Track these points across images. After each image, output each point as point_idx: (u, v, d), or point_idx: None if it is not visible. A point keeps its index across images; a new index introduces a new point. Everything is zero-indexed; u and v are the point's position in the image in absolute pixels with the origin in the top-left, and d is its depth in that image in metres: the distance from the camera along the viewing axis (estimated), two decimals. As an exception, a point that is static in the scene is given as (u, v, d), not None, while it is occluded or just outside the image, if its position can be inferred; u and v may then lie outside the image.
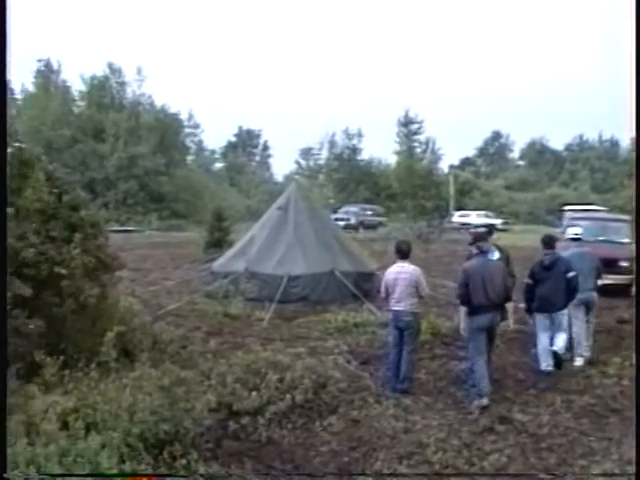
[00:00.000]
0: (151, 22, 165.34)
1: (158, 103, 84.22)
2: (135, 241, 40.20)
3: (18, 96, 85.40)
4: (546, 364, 12.25)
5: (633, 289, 18.93)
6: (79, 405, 8.84)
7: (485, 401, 11.06)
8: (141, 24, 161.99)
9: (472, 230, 14.62)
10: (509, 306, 11.88)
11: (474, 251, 12.01)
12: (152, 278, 25.58)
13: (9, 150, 8.74)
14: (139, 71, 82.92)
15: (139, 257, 31.49)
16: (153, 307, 17.71)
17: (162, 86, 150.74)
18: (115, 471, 7.75)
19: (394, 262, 12.31)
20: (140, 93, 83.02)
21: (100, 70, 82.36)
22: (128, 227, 57.44)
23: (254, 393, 10.25)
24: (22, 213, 9.21)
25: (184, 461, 8.21)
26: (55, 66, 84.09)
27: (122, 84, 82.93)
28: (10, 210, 8.68)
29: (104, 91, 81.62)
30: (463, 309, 11.66)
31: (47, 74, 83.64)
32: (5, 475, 6.87)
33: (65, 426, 8.38)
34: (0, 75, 6.10)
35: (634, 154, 10.13)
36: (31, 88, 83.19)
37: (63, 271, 10.59)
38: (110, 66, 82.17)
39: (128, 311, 13.08)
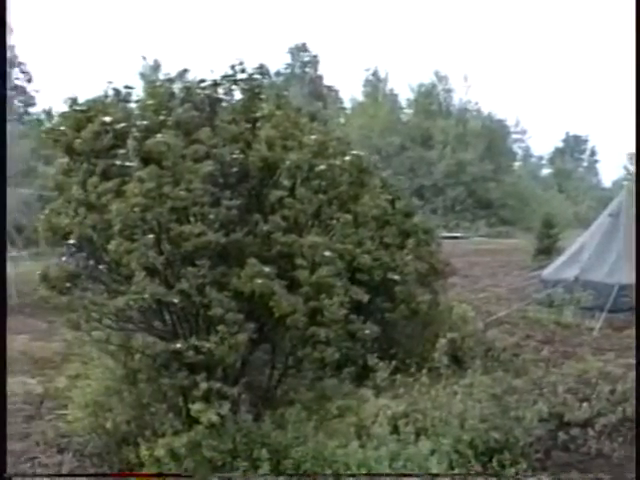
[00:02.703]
0: (479, 31, 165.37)
1: (484, 110, 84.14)
2: (463, 247, 40.23)
3: (347, 105, 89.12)
4: None
5: None
6: (409, 410, 8.94)
7: None
8: (468, 33, 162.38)
9: None
10: None
11: None
12: (481, 285, 25.61)
13: (347, 158, 8.98)
14: (465, 78, 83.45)
15: (468, 264, 31.49)
16: (483, 314, 17.67)
17: (488, 93, 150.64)
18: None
19: None
20: (466, 100, 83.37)
21: (427, 78, 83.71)
22: (455, 233, 57.64)
23: (585, 404, 10.03)
24: (360, 219, 9.41)
25: (513, 470, 8.11)
26: (382, 75, 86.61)
27: (449, 91, 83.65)
28: (348, 216, 8.93)
29: (431, 98, 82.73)
30: None
31: (375, 83, 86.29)
32: (5, 475, 6.96)
33: (395, 430, 8.50)
34: (0, 74, 6.20)
35: (634, 154, 9.05)
36: (360, 97, 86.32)
37: (396, 277, 10.77)
38: (437, 74, 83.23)
39: (460, 318, 13.13)
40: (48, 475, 8.94)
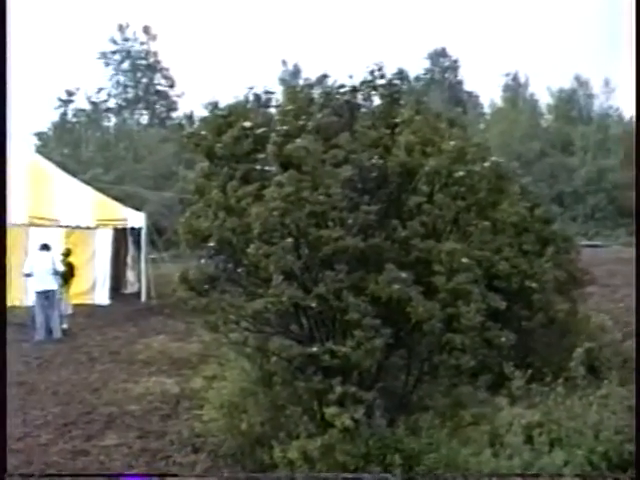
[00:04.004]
0: (620, 36, 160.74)
1: (626, 115, 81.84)
2: (603, 256, 39.21)
3: (487, 110, 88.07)
4: None
5: None
6: (544, 420, 8.78)
7: None
8: (610, 37, 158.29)
9: None
10: None
11: None
12: (620, 295, 24.87)
13: (486, 164, 8.88)
14: (606, 83, 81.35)
15: (607, 272, 30.67)
16: (621, 324, 17.17)
17: (630, 98, 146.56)
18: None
19: None
20: (608, 105, 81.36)
21: (567, 83, 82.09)
22: (595, 242, 56.27)
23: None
24: (498, 226, 9.32)
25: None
26: (522, 80, 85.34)
27: (590, 96, 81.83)
28: (486, 223, 8.83)
29: (571, 104, 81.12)
30: None
31: (515, 88, 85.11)
32: (5, 475, 6.90)
33: (529, 440, 8.37)
34: (1, 74, 6.15)
35: (634, 151, 9.31)
36: (499, 102, 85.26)
37: (534, 285, 10.62)
38: (577, 79, 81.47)
39: (598, 327, 12.86)
40: (48, 475, 9.10)
